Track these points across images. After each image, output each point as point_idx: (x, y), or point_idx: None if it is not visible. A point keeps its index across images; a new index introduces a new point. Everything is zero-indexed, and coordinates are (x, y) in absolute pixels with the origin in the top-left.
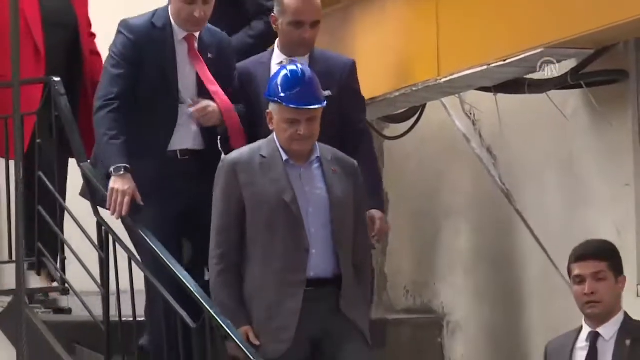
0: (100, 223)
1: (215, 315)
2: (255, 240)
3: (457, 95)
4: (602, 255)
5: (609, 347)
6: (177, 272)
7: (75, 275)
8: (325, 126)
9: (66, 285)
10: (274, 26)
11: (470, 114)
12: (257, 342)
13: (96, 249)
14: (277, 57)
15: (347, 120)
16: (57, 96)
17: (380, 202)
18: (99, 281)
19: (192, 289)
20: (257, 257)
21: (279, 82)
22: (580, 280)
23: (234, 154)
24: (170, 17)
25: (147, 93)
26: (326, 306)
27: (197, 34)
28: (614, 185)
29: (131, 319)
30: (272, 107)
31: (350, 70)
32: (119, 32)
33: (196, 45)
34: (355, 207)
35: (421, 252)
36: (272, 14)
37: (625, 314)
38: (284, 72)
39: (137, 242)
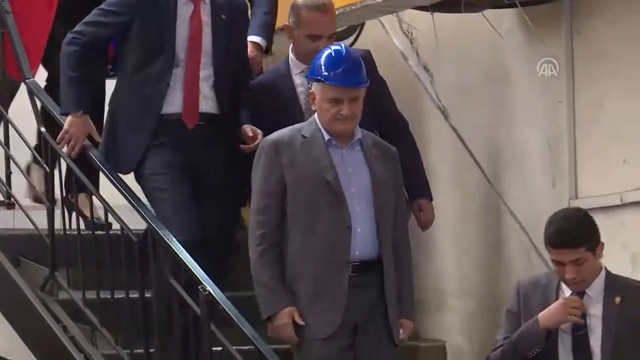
0: (44, 137)
1: (157, 230)
2: (297, 221)
3: (394, 14)
4: (578, 242)
5: (595, 303)
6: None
7: (20, 189)
8: (363, 120)
9: (12, 199)
10: (288, 35)
11: (408, 32)
12: (302, 322)
13: (40, 163)
14: (295, 66)
15: (380, 108)
16: (3, 13)
17: (429, 193)
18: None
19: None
20: (298, 238)
21: (322, 62)
22: (559, 263)
23: (275, 135)
24: None
25: (143, 51)
26: (369, 296)
27: None
28: (547, 103)
29: (75, 232)
30: (314, 87)
31: (369, 61)
32: None
33: (207, 7)
34: (395, 191)
35: None
36: (287, 24)
37: (606, 270)
38: (327, 51)
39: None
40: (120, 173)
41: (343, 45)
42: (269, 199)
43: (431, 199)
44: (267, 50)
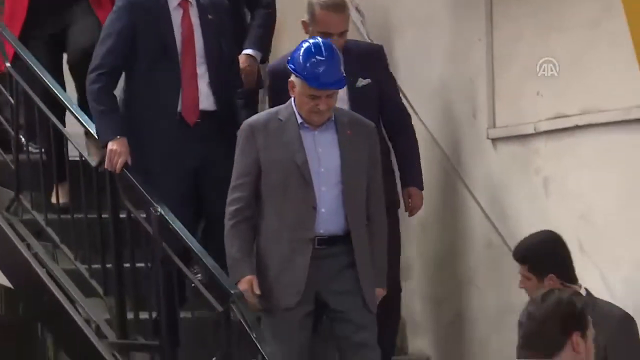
0: (10, 71)
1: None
2: (269, 199)
3: None
4: (522, 259)
5: None
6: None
7: None
8: (367, 109)
9: None
10: (305, 30)
11: None
12: (258, 292)
13: (7, 95)
14: None
15: (386, 100)
16: None
17: (419, 181)
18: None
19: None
20: (270, 215)
21: (302, 57)
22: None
23: (253, 118)
24: None
25: (147, 60)
26: (335, 264)
27: (191, 0)
28: (468, 41)
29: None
30: (294, 78)
31: (382, 55)
32: (116, 6)
33: (195, 10)
34: (369, 166)
35: None
36: (304, 20)
37: (587, 292)
38: (307, 45)
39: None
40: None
41: (322, 43)
42: (244, 178)
43: (421, 189)
44: (263, 61)
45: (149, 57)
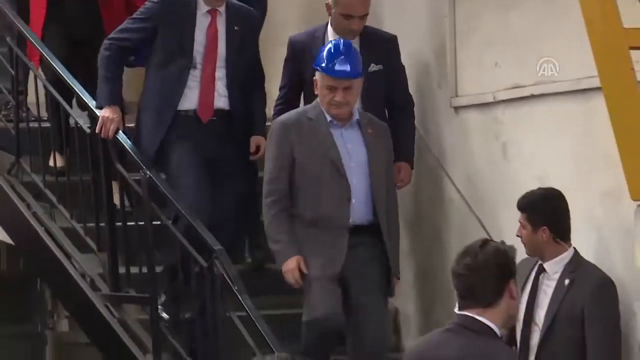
0: (10, 45)
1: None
2: (305, 191)
3: None
4: (522, 207)
5: (552, 283)
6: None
7: None
8: (375, 93)
9: None
10: (328, 12)
11: None
12: (305, 270)
13: (7, 66)
14: (331, 35)
15: (394, 87)
16: None
17: (410, 156)
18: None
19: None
20: (305, 206)
21: (324, 54)
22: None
23: (284, 116)
24: None
25: (163, 56)
26: (363, 253)
27: (220, 9)
28: (433, 17)
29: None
30: (317, 75)
31: (395, 46)
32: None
33: (223, 18)
34: (386, 163)
35: None
36: (327, 2)
37: (575, 252)
38: (329, 45)
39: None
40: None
41: (342, 41)
42: (280, 171)
43: (412, 167)
44: None
45: (165, 53)
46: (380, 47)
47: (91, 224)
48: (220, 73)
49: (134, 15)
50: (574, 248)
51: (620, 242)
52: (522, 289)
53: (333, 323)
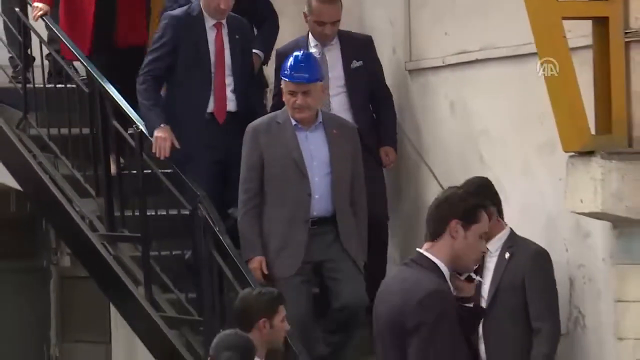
0: (19, 15)
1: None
2: (272, 189)
3: None
4: None
5: (493, 259)
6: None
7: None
8: (359, 87)
9: None
10: (305, 20)
11: None
12: (266, 272)
13: (17, 35)
14: (311, 40)
15: (374, 80)
16: None
17: (394, 141)
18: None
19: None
20: (273, 202)
21: (287, 64)
22: None
23: (256, 122)
24: (202, 8)
25: (184, 68)
26: (326, 239)
27: (223, 22)
28: None
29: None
30: (282, 83)
31: (371, 45)
32: (162, 21)
33: (225, 30)
34: (352, 160)
35: None
36: (304, 11)
37: (511, 230)
38: (291, 57)
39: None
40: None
41: (303, 52)
42: (250, 172)
43: (395, 149)
44: (265, 62)
45: (185, 65)
46: (358, 46)
47: (90, 173)
48: (228, 80)
49: (153, 46)
50: (510, 228)
51: (554, 189)
52: None
53: (305, 324)
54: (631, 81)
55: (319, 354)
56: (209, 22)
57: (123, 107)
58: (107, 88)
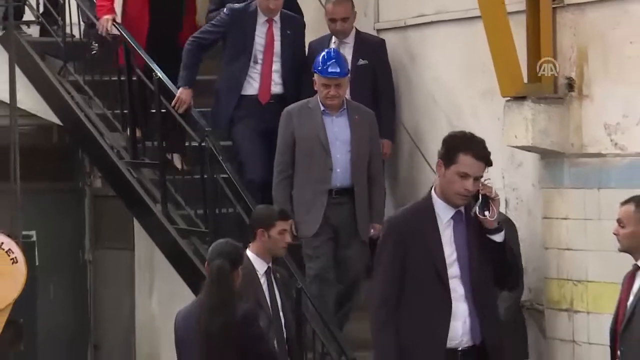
0: None
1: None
2: (301, 163)
3: None
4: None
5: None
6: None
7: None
8: (362, 82)
9: (40, 19)
10: (325, 16)
11: None
12: (295, 232)
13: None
14: (333, 38)
15: (379, 78)
16: None
17: (391, 134)
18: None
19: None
20: (301, 174)
21: (319, 60)
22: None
23: (291, 106)
24: (258, 6)
25: (231, 54)
26: (343, 210)
27: (275, 18)
28: None
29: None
30: (315, 76)
31: (383, 47)
32: (225, 10)
33: (278, 25)
34: (370, 141)
35: None
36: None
37: None
38: (323, 53)
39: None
40: (219, 127)
41: (333, 49)
42: (284, 147)
43: (392, 140)
44: None
45: (232, 51)
46: (369, 47)
47: (117, 111)
48: (276, 66)
49: (212, 22)
50: None
51: (493, 127)
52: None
53: (324, 274)
54: (557, 40)
55: (334, 299)
56: (262, 18)
57: (146, 59)
58: (131, 43)
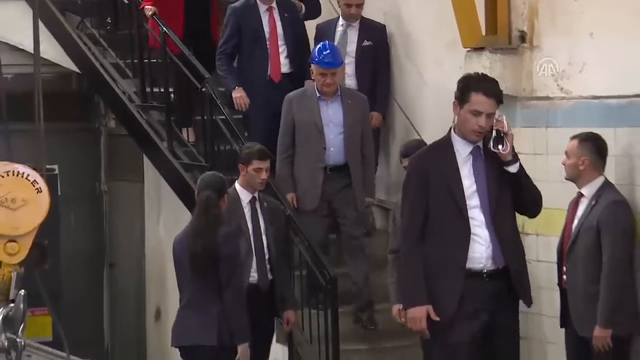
0: None
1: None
2: (299, 143)
3: None
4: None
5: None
6: None
7: None
8: (365, 62)
9: None
10: (338, 4)
11: None
12: (296, 205)
13: None
14: (341, 20)
15: (379, 58)
16: None
17: (382, 108)
18: None
19: None
20: (300, 152)
21: (316, 52)
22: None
23: (292, 93)
24: None
25: (247, 45)
26: (338, 184)
27: (273, 5)
28: None
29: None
30: (313, 66)
31: (384, 32)
32: (227, 13)
33: (276, 11)
34: (362, 123)
35: None
36: None
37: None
38: (319, 45)
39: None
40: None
41: (327, 42)
42: (285, 130)
43: (383, 116)
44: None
45: (248, 43)
46: (372, 30)
47: (129, 61)
48: (281, 48)
49: (223, 32)
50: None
51: (456, 74)
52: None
53: (321, 245)
54: None
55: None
56: (262, 8)
57: (156, 19)
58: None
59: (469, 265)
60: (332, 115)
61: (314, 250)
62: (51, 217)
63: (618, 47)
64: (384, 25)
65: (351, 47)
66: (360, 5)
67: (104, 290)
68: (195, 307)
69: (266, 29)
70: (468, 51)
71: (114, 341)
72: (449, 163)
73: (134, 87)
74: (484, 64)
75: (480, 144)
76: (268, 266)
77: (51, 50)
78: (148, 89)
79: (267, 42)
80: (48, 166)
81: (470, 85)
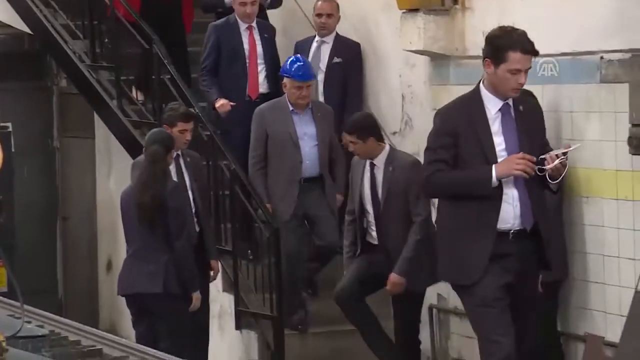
0: None
1: None
2: (274, 156)
3: None
4: (350, 131)
5: (380, 172)
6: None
7: None
8: (334, 77)
9: None
10: (314, 20)
11: None
12: (270, 213)
13: None
14: (317, 38)
15: (349, 75)
16: None
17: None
18: None
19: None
20: (275, 165)
21: (288, 66)
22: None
23: (264, 105)
24: (236, 16)
25: (226, 61)
26: (313, 195)
27: (253, 24)
28: None
29: None
30: (286, 80)
31: (357, 50)
32: (208, 30)
33: (256, 31)
34: (328, 133)
35: None
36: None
37: (390, 148)
38: (292, 58)
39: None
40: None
41: (300, 57)
42: (258, 143)
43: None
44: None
45: (227, 59)
46: (345, 48)
47: (79, 22)
48: (260, 67)
49: (204, 49)
50: (390, 145)
51: (392, 34)
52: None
53: (295, 255)
54: None
55: (302, 277)
56: (242, 26)
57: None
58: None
59: (498, 225)
60: (305, 128)
61: (258, 202)
62: (5, 172)
63: (547, 8)
64: (359, 44)
65: (323, 63)
66: (330, 16)
67: (57, 242)
68: (142, 257)
69: (246, 46)
70: (403, 12)
71: (67, 291)
72: (478, 119)
73: (84, 48)
74: (419, 25)
75: (510, 101)
76: (195, 219)
77: (4, 13)
78: (98, 50)
79: (247, 60)
80: (2, 123)
81: (505, 44)
